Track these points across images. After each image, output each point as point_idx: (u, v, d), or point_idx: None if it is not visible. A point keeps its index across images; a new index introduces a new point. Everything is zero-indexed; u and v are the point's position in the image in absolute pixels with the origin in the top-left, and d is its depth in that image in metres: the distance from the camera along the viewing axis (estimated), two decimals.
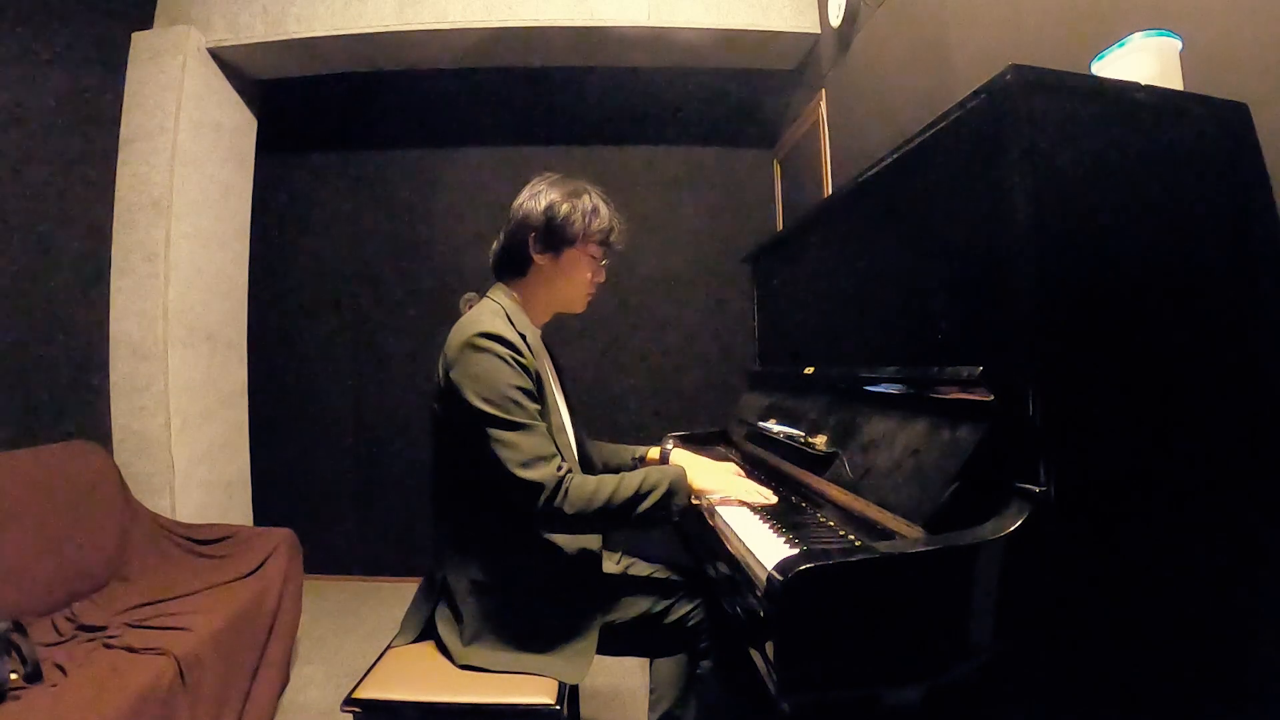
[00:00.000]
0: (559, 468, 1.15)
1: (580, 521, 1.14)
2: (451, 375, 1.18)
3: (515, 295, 1.33)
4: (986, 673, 0.76)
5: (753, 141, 3.16)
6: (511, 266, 1.33)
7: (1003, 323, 0.85)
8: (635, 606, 1.26)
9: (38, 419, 2.14)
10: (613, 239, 1.34)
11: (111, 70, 2.49)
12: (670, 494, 1.17)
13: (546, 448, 1.15)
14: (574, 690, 1.72)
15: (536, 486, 1.11)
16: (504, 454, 1.12)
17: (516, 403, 1.15)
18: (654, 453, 1.61)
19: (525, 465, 1.12)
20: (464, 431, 1.17)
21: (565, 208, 1.27)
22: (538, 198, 1.28)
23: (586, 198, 1.30)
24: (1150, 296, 0.84)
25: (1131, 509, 0.81)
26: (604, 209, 1.31)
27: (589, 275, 1.34)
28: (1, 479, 1.72)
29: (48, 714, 1.22)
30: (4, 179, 2.07)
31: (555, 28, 2.63)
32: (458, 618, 1.21)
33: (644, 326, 3.11)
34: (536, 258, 1.29)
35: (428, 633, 1.26)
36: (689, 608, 1.29)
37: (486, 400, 1.14)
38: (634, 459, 1.59)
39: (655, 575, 1.39)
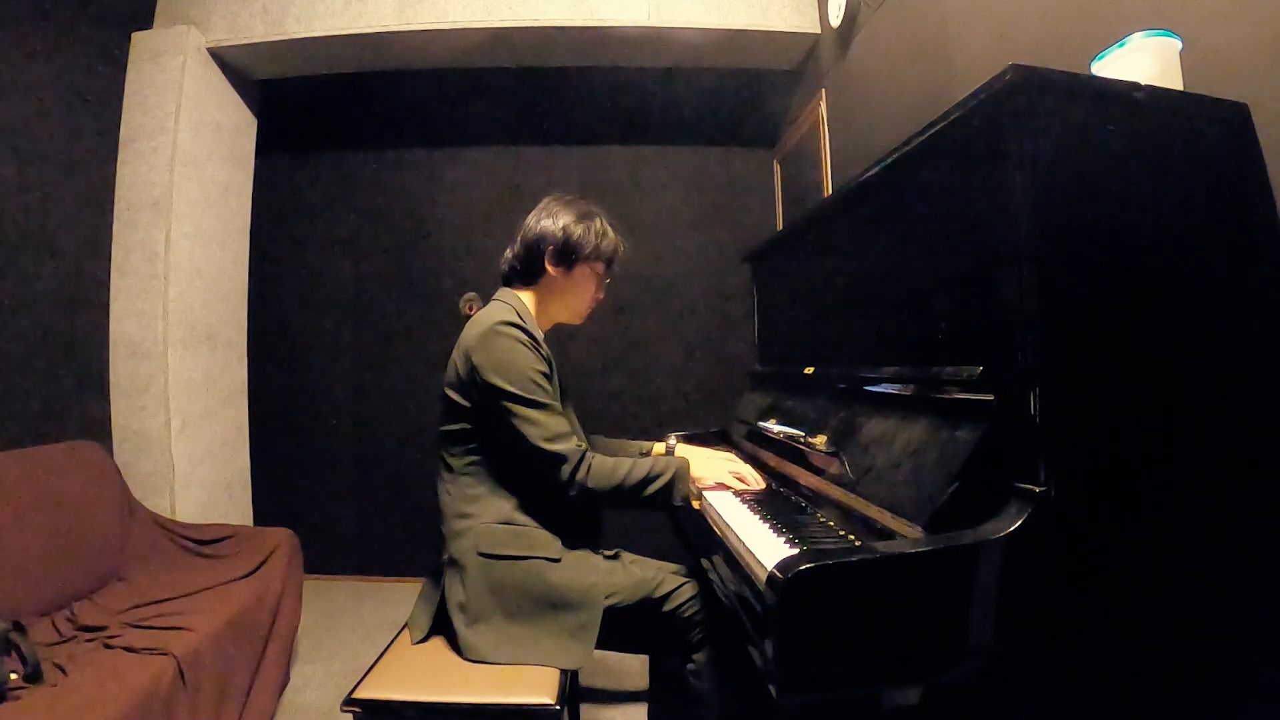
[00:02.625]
0: (578, 444, 1.27)
1: (598, 495, 1.26)
2: (474, 359, 1.27)
3: (524, 301, 1.43)
4: (986, 673, 0.76)
5: (753, 141, 3.16)
6: (523, 275, 1.45)
7: (1003, 323, 0.85)
8: (636, 589, 1.28)
9: (38, 419, 2.14)
10: (617, 259, 1.48)
11: (111, 70, 2.49)
12: (675, 480, 1.30)
13: (566, 426, 1.29)
14: (574, 688, 1.73)
15: (561, 458, 1.24)
16: (528, 430, 1.24)
17: (538, 384, 1.27)
18: (659, 448, 1.64)
19: (550, 440, 1.24)
20: (484, 411, 1.27)
21: (580, 229, 1.40)
22: (555, 216, 1.41)
23: (598, 221, 1.43)
24: (1150, 296, 0.84)
25: (1131, 509, 0.81)
26: (611, 232, 1.45)
27: (594, 290, 1.48)
28: (1, 479, 1.72)
29: (48, 714, 1.21)
30: (4, 178, 2.07)
31: (555, 28, 2.63)
32: (465, 592, 1.24)
33: (644, 326, 3.11)
34: (551, 269, 1.41)
35: (436, 626, 1.30)
36: (686, 598, 1.30)
37: (510, 381, 1.25)
38: (640, 454, 1.64)
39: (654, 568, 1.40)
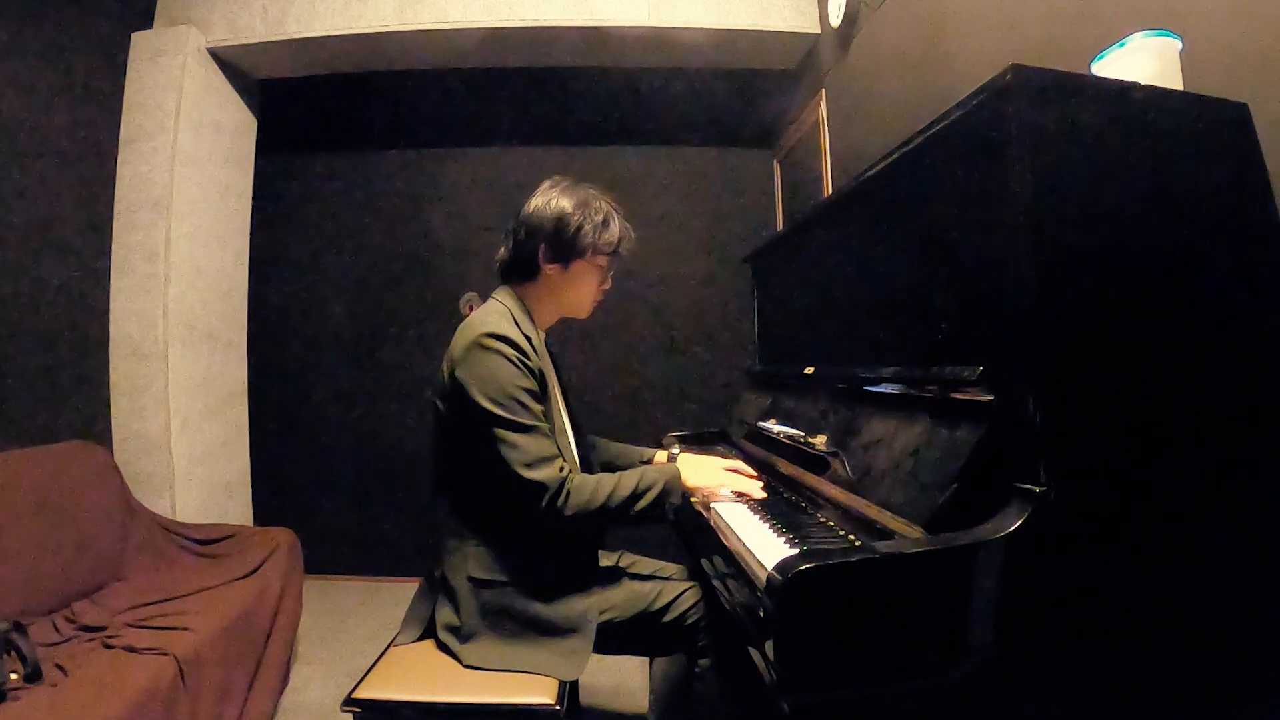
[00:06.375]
0: (561, 469, 1.17)
1: (581, 521, 1.17)
2: (457, 374, 1.19)
3: (521, 299, 1.33)
4: (986, 673, 0.76)
5: (753, 141, 3.16)
6: (519, 272, 1.33)
7: (1003, 323, 0.85)
8: (634, 603, 1.26)
9: (38, 419, 2.14)
10: (621, 249, 1.34)
11: (111, 70, 2.49)
12: (665, 492, 1.21)
13: (550, 449, 1.18)
14: (574, 689, 1.73)
15: (540, 487, 1.14)
16: (509, 454, 1.15)
17: (521, 403, 1.17)
18: (661, 455, 1.61)
19: (530, 466, 1.14)
20: (468, 430, 1.19)
21: (576, 219, 1.26)
22: (549, 205, 1.28)
23: (598, 209, 1.29)
24: (1150, 296, 0.84)
25: (1131, 509, 0.81)
26: (614, 220, 1.31)
27: (596, 284, 1.36)
28: (1, 479, 1.71)
29: (48, 714, 1.22)
30: (4, 179, 2.06)
31: (555, 28, 2.63)
32: (456, 615, 1.21)
33: (644, 326, 3.11)
34: (546, 267, 1.29)
35: (428, 631, 1.27)
36: (688, 605, 1.29)
37: (492, 400, 1.16)
38: (641, 461, 1.61)
39: (654, 573, 1.39)
